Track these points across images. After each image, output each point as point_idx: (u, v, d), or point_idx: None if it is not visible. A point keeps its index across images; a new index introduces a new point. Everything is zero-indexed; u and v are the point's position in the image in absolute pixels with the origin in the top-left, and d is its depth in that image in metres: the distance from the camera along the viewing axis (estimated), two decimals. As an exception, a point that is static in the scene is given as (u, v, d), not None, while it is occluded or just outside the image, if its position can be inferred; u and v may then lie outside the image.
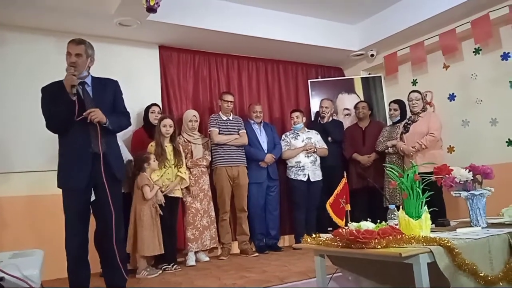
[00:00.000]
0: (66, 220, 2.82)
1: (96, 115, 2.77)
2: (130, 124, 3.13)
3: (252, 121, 5.10)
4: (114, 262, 2.83)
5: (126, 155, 4.24)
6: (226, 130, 4.80)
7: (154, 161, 4.05)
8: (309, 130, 5.23)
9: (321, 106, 5.42)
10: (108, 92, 2.97)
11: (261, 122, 5.13)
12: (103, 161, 2.79)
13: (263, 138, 5.07)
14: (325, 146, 5.15)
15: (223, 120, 4.84)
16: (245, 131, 4.90)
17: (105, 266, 3.00)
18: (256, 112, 5.08)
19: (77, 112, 2.73)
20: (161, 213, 4.01)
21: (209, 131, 4.80)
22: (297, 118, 5.13)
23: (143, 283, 3.54)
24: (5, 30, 4.20)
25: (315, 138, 5.14)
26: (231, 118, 4.89)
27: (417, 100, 4.62)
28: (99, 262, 3.05)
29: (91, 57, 2.94)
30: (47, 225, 4.01)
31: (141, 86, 4.78)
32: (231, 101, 4.88)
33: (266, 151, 4.99)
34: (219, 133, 4.74)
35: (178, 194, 4.27)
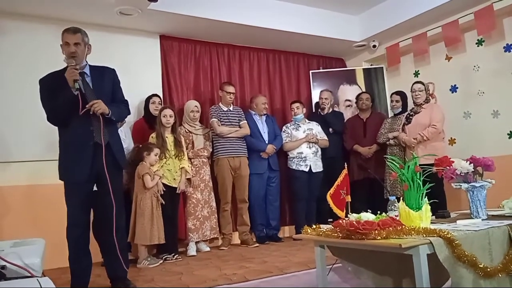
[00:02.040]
0: (68, 211, 2.83)
1: (99, 106, 2.76)
2: (129, 113, 3.14)
3: (253, 112, 5.09)
4: (114, 252, 2.84)
5: (130, 143, 4.26)
6: (227, 121, 4.79)
7: (156, 155, 4.03)
8: (309, 121, 5.22)
9: (320, 98, 5.41)
10: (106, 81, 2.96)
11: (265, 113, 5.13)
12: (107, 150, 2.80)
13: (264, 129, 5.06)
14: (326, 138, 5.15)
15: (223, 111, 4.83)
16: (246, 121, 4.89)
17: (106, 256, 3.01)
18: (264, 103, 5.07)
19: (81, 106, 2.72)
20: (163, 202, 4.02)
21: (210, 122, 4.78)
22: (297, 109, 5.12)
23: (144, 273, 3.56)
24: (5, 18, 4.17)
25: (316, 129, 5.13)
26: (231, 109, 4.88)
27: (420, 91, 4.60)
28: (100, 251, 3.06)
29: (88, 45, 2.92)
30: (46, 215, 4.03)
31: (141, 76, 4.76)
32: (233, 93, 4.88)
33: (267, 142, 4.98)
34: (220, 124, 4.74)
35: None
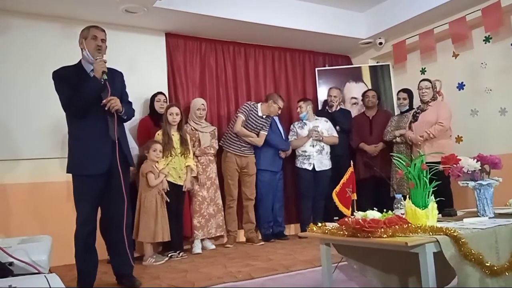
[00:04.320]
0: (78, 207, 2.83)
1: (116, 103, 2.81)
2: (134, 114, 3.18)
3: None
4: (122, 249, 2.87)
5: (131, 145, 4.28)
6: (253, 125, 4.79)
7: (155, 150, 4.01)
8: (318, 118, 5.17)
9: (329, 95, 5.39)
10: (116, 82, 3.00)
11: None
12: (118, 147, 2.83)
13: (281, 128, 5.11)
14: (335, 134, 5.09)
15: (258, 115, 4.81)
16: (266, 133, 4.88)
17: (112, 253, 3.03)
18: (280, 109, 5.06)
19: (109, 95, 2.79)
20: (168, 199, 4.03)
21: (236, 116, 4.79)
22: (300, 108, 5.10)
23: (149, 270, 3.57)
24: (11, 16, 4.18)
25: (324, 126, 5.08)
26: (264, 117, 4.87)
27: (427, 88, 4.57)
28: (106, 249, 3.07)
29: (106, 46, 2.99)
30: (52, 212, 4.05)
31: (147, 74, 4.76)
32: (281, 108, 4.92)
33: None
34: (244, 124, 4.74)
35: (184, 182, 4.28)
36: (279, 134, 5.04)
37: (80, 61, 2.95)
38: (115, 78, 3.00)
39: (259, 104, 4.88)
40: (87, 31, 2.91)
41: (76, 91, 2.76)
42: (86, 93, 2.77)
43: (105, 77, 2.78)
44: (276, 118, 5.11)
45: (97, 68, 2.78)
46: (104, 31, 2.96)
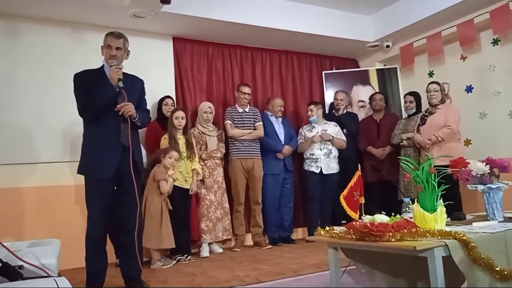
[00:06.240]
0: (90, 210, 2.85)
1: (130, 108, 2.84)
2: (150, 121, 3.21)
3: (270, 113, 5.09)
4: (131, 253, 2.89)
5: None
6: (241, 123, 4.81)
7: (170, 157, 3.97)
8: (327, 122, 5.17)
9: (335, 99, 5.38)
10: (136, 89, 3.05)
11: (280, 116, 5.13)
12: (129, 153, 2.86)
13: (280, 130, 5.07)
14: (343, 138, 5.08)
15: (238, 112, 4.85)
16: (261, 123, 4.90)
17: (121, 256, 3.05)
18: (280, 106, 5.08)
19: (126, 101, 2.83)
20: (171, 207, 4.01)
21: (224, 123, 4.83)
22: (311, 111, 5.09)
23: (157, 274, 3.58)
24: (21, 21, 4.23)
25: (332, 130, 5.07)
26: (247, 110, 4.90)
27: (436, 91, 4.55)
28: (114, 252, 3.08)
29: (127, 51, 3.02)
30: (61, 216, 4.07)
31: (155, 77, 4.76)
32: (248, 93, 4.90)
33: (283, 143, 4.99)
34: (234, 126, 4.77)
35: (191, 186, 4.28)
36: (274, 136, 5.01)
37: (102, 65, 2.99)
38: (135, 85, 3.05)
39: (236, 104, 4.94)
40: (105, 39, 2.95)
41: (92, 96, 2.80)
42: (100, 100, 2.81)
43: (121, 84, 2.82)
44: (277, 120, 5.09)
45: (113, 76, 2.84)
46: (121, 37, 2.96)
